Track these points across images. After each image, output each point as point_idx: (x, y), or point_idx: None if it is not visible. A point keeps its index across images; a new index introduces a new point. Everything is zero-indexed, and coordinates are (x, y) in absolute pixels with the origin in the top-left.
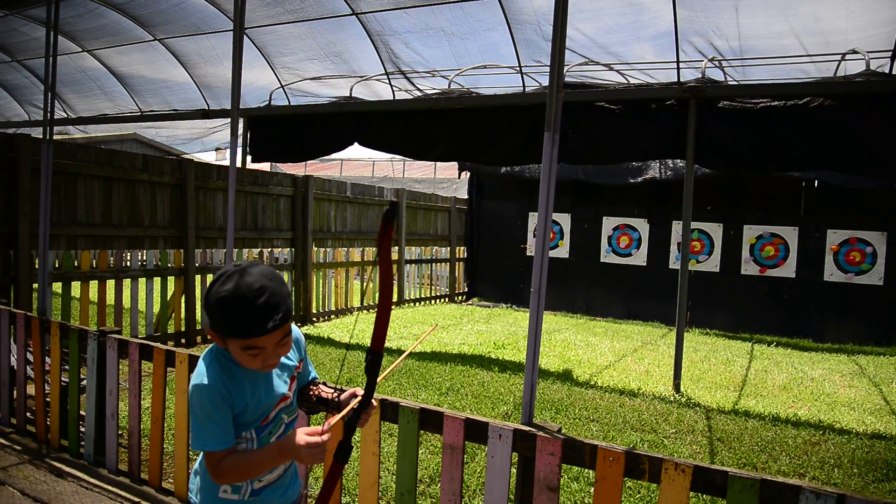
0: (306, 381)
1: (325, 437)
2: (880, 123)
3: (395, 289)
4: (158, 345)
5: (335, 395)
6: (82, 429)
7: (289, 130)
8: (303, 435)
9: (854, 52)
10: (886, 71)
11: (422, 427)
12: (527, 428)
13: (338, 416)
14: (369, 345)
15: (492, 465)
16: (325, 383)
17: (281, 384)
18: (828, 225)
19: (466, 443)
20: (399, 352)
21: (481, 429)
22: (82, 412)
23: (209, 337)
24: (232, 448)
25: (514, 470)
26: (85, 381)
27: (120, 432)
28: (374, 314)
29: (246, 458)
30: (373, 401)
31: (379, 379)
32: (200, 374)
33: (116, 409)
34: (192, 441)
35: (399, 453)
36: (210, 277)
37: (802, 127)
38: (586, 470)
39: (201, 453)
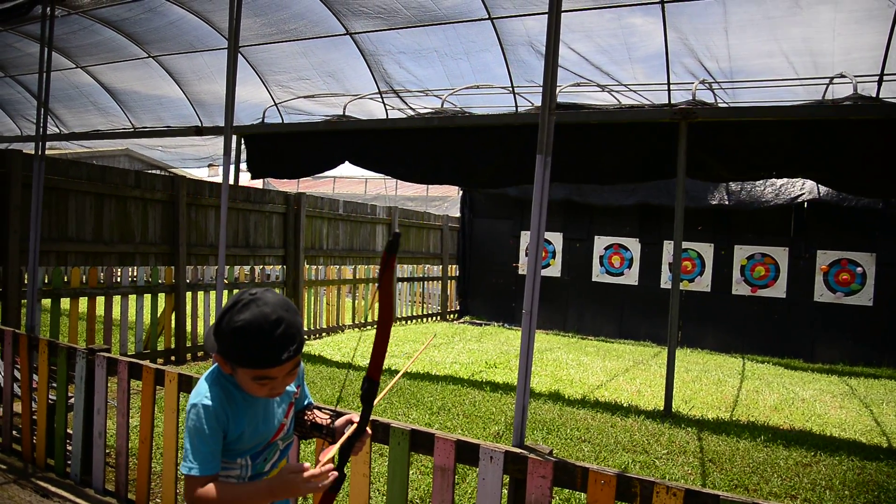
0: (301, 406)
1: (323, 469)
2: (867, 143)
3: None
4: (147, 363)
5: (330, 420)
6: (69, 447)
7: (284, 148)
8: (297, 473)
9: (842, 75)
10: (873, 94)
11: (413, 448)
12: (518, 450)
13: (333, 449)
14: (366, 373)
15: (483, 487)
16: (319, 407)
17: (279, 413)
18: (818, 246)
19: (457, 464)
20: (393, 372)
21: (472, 450)
22: (69, 430)
23: (215, 361)
24: (214, 476)
25: (505, 490)
26: (73, 400)
27: (108, 451)
28: (365, 332)
29: (232, 489)
30: (367, 429)
31: (375, 401)
32: (201, 394)
33: (104, 429)
34: (183, 467)
35: (389, 475)
36: (201, 295)
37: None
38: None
39: None
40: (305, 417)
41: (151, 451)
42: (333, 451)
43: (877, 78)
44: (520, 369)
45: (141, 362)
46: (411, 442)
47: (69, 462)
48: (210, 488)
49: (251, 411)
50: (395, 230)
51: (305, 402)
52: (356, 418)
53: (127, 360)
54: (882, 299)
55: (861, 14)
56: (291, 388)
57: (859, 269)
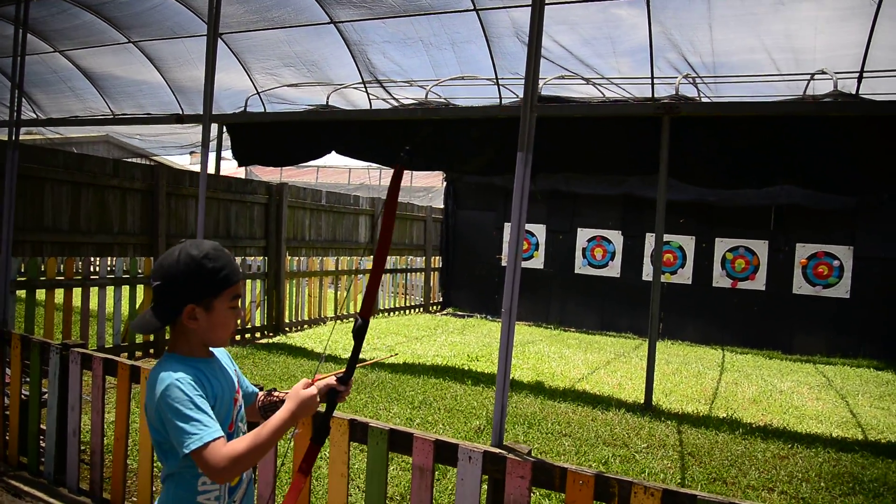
0: (247, 391)
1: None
2: (847, 141)
3: None
4: (123, 360)
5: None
6: (43, 445)
7: (269, 136)
8: (307, 388)
9: (822, 72)
10: (853, 91)
11: (391, 448)
12: (497, 450)
13: (330, 375)
14: (358, 312)
15: (461, 487)
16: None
17: (228, 363)
18: (796, 239)
19: (437, 464)
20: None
21: (451, 450)
22: (43, 427)
23: (188, 321)
24: (224, 438)
25: (485, 488)
26: (46, 396)
27: (83, 448)
28: (348, 323)
29: (256, 434)
30: (349, 383)
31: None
32: (167, 375)
33: (79, 426)
34: (185, 445)
35: (368, 475)
36: None
37: (772, 143)
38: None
39: (165, 473)
40: (274, 397)
41: (127, 450)
42: (329, 377)
43: (857, 75)
44: (499, 369)
45: (116, 358)
46: (390, 441)
47: (43, 460)
48: (233, 445)
49: (212, 375)
50: (377, 217)
51: (250, 390)
52: (335, 380)
53: (102, 357)
54: (859, 292)
55: (843, 12)
56: (232, 365)
57: (836, 262)
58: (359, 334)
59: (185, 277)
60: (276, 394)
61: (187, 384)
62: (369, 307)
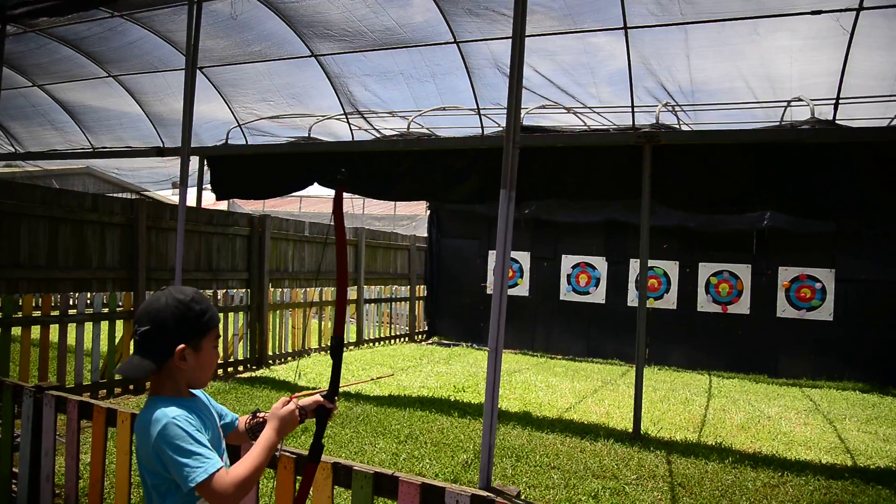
0: (227, 420)
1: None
2: (824, 166)
3: (355, 329)
4: (98, 402)
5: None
6: (15, 489)
7: (249, 169)
8: (287, 405)
9: (799, 99)
10: (830, 118)
11: (376, 493)
12: (485, 493)
13: (315, 393)
14: (332, 333)
15: None
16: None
17: (212, 411)
18: (778, 262)
19: None
20: (357, 395)
21: (438, 494)
22: (16, 470)
23: (179, 363)
24: (224, 468)
25: None
26: (19, 439)
27: (58, 493)
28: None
29: (249, 457)
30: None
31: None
32: (161, 415)
33: (52, 471)
34: (190, 479)
35: None
36: None
37: (752, 168)
38: None
39: None
40: (259, 418)
41: (103, 495)
42: (302, 398)
43: (833, 102)
44: (485, 410)
45: (92, 401)
46: (375, 485)
47: None
48: (235, 471)
49: (199, 412)
50: (360, 248)
51: (230, 418)
52: (321, 397)
53: (77, 399)
54: (841, 314)
55: (817, 41)
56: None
57: (819, 284)
58: (335, 352)
59: (175, 321)
60: (260, 415)
61: (184, 420)
62: (341, 326)
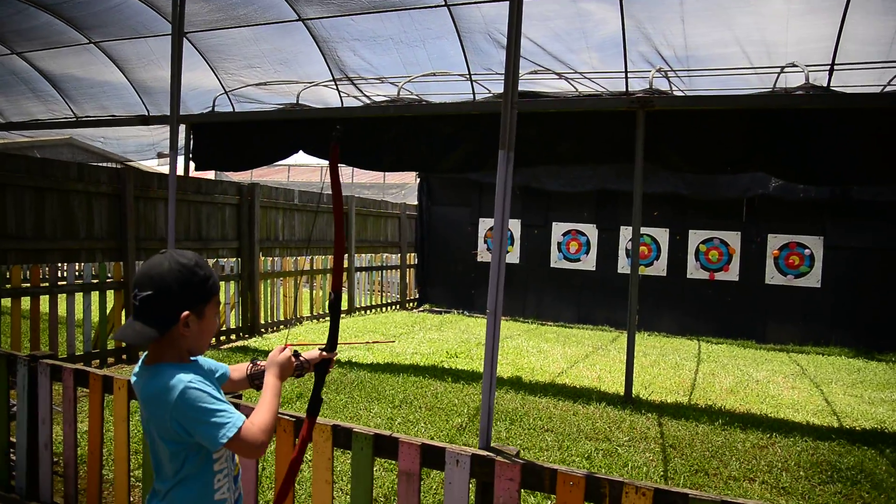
0: (219, 373)
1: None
2: (818, 132)
3: (346, 296)
4: (94, 370)
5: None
6: (13, 458)
7: (234, 138)
8: (282, 352)
9: (793, 65)
10: (825, 84)
11: (376, 454)
12: (484, 453)
13: (297, 343)
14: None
15: (449, 491)
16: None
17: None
18: (768, 230)
19: (423, 468)
20: (350, 363)
21: (438, 454)
22: (13, 439)
23: (182, 329)
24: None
25: (473, 490)
26: (15, 408)
27: (56, 460)
28: (323, 323)
29: (264, 404)
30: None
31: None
32: (177, 381)
33: (50, 439)
34: (220, 435)
35: (353, 481)
36: None
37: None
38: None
39: (173, 480)
40: (260, 365)
41: (101, 462)
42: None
43: (828, 68)
44: (485, 371)
45: (88, 369)
46: (375, 447)
47: (14, 474)
48: (257, 419)
49: (205, 375)
50: (350, 216)
51: (223, 370)
52: (317, 353)
53: (72, 368)
54: (829, 281)
55: (813, 4)
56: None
57: (807, 251)
58: (333, 308)
59: (179, 286)
60: (259, 363)
61: (199, 382)
62: (338, 282)
